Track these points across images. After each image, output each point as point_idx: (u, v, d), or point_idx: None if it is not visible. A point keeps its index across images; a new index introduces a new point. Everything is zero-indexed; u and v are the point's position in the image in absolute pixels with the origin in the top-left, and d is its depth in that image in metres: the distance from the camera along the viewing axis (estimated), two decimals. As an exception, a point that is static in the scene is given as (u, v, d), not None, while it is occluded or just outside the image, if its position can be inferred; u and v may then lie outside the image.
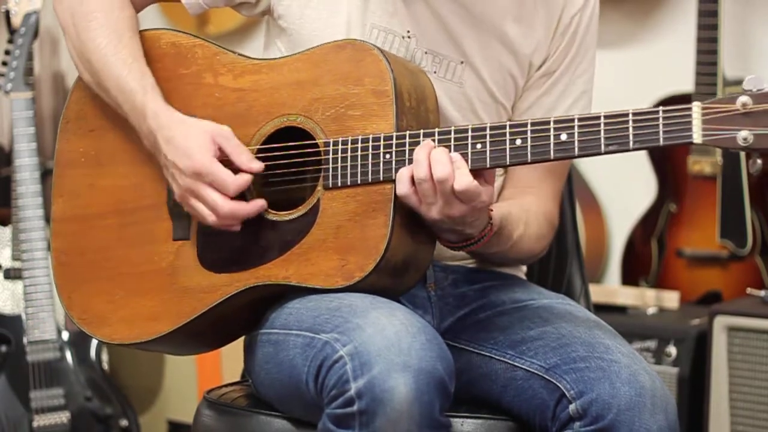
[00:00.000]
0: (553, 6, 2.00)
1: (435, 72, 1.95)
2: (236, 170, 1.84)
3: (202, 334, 1.94)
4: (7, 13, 3.45)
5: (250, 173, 1.84)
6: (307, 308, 1.79)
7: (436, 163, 1.73)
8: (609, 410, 1.73)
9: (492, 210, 1.84)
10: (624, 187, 3.61)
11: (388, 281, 1.78)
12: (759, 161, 1.67)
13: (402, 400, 1.61)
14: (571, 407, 1.76)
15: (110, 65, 1.93)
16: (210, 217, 1.84)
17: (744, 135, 1.63)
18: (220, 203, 1.82)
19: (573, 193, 2.34)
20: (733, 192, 3.22)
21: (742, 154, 3.18)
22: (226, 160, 1.84)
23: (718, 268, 3.29)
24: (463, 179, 1.73)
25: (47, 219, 3.30)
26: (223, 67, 1.94)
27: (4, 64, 3.41)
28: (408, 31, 1.95)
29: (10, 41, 3.44)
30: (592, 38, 2.04)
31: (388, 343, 1.64)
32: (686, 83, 3.24)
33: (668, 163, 3.35)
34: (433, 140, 1.77)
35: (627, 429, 1.73)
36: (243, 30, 4.08)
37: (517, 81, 2.01)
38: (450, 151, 1.75)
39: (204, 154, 1.83)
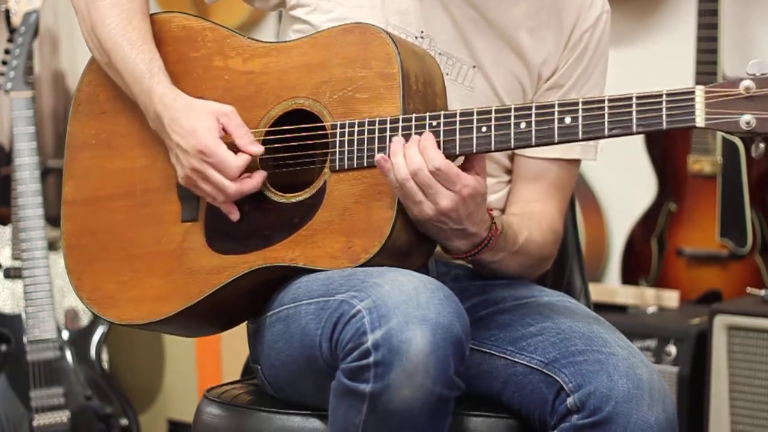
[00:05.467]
0: (565, 20, 2.01)
1: (447, 74, 1.96)
2: (238, 150, 1.85)
3: (209, 315, 1.94)
4: (7, 12, 3.46)
5: (251, 156, 1.85)
6: (318, 279, 1.79)
7: (408, 158, 1.75)
8: (607, 403, 1.73)
9: (492, 210, 1.84)
10: (624, 187, 3.61)
11: (392, 264, 1.78)
12: (762, 146, 1.67)
13: (419, 352, 1.61)
14: (569, 400, 1.76)
15: (119, 46, 1.94)
16: (219, 197, 1.86)
17: (747, 119, 1.64)
18: (226, 184, 1.84)
19: (573, 193, 2.33)
20: (733, 191, 3.22)
21: (742, 152, 3.19)
22: (229, 142, 1.85)
23: (718, 268, 3.29)
24: (435, 159, 1.74)
25: (47, 218, 3.32)
26: (232, 50, 1.95)
27: (4, 63, 3.42)
28: (422, 32, 1.97)
29: (10, 40, 3.46)
30: (603, 55, 2.05)
31: (406, 297, 1.65)
32: (686, 83, 3.24)
33: (668, 162, 3.36)
34: (437, 123, 1.77)
35: (624, 421, 1.72)
36: (244, 29, 4.08)
37: (526, 90, 2.02)
38: (438, 136, 1.76)
39: (209, 134, 1.84)
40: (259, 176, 1.86)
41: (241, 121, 1.87)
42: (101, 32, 1.97)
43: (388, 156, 1.77)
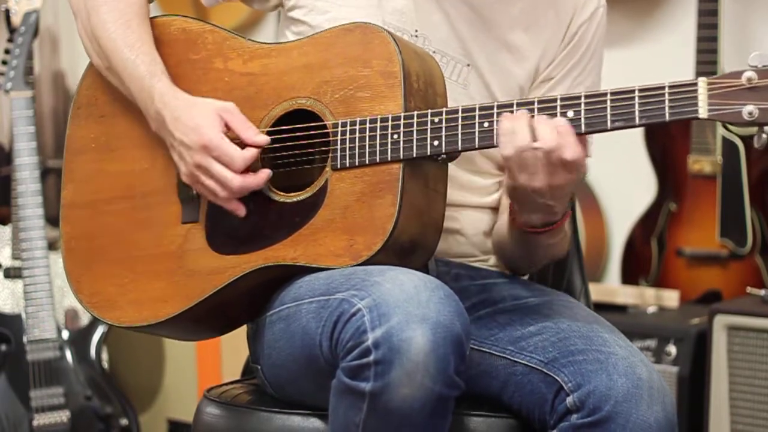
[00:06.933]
0: (562, 14, 2.02)
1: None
2: (243, 146, 1.85)
3: (209, 317, 1.94)
4: (7, 12, 3.46)
5: (256, 147, 1.85)
6: (319, 278, 1.79)
7: (542, 133, 1.72)
8: (606, 402, 1.73)
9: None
10: (624, 187, 3.61)
11: (395, 261, 1.78)
12: (765, 136, 1.68)
13: (419, 351, 1.61)
14: (569, 399, 1.76)
15: (119, 49, 1.95)
16: (221, 193, 1.85)
17: (749, 109, 1.64)
18: (230, 177, 1.83)
19: (573, 193, 2.33)
20: (733, 191, 3.22)
21: (742, 152, 3.19)
22: (233, 138, 1.85)
23: (718, 267, 3.29)
24: (574, 148, 1.71)
25: (47, 218, 3.32)
26: (232, 51, 1.95)
27: (4, 63, 3.42)
28: (416, 30, 1.97)
29: (10, 40, 3.46)
30: (597, 50, 2.05)
31: (406, 296, 1.65)
32: (686, 83, 3.24)
33: (668, 162, 3.36)
34: (439, 120, 1.77)
35: (624, 420, 1.72)
36: (242, 30, 4.08)
37: (523, 88, 2.02)
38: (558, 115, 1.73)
39: (211, 129, 1.84)
40: (264, 174, 1.85)
41: (243, 117, 1.87)
42: (101, 36, 1.97)
43: (500, 126, 1.74)
